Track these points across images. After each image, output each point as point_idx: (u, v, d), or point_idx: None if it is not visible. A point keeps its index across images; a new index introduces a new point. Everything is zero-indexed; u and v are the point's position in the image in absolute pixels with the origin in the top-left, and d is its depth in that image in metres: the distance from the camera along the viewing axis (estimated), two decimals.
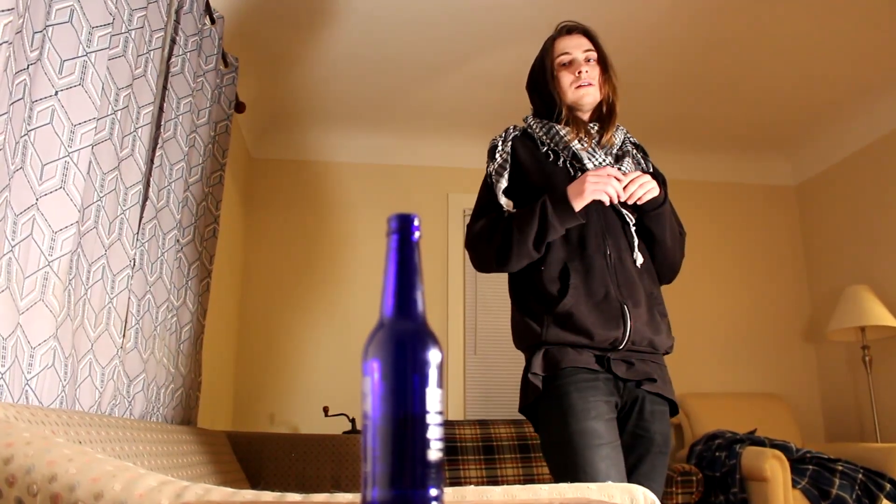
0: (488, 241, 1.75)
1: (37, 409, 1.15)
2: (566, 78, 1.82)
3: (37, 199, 1.32)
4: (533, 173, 1.80)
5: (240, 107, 2.97)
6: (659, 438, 1.67)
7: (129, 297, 1.78)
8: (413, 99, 3.84)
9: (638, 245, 1.76)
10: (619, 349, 1.66)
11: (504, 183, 1.79)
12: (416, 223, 0.63)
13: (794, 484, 3.04)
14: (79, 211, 1.40)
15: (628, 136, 1.91)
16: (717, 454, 3.31)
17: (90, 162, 1.49)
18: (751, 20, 3.09)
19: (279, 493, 0.79)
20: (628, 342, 1.65)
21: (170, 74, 2.08)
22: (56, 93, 1.37)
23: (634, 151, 1.88)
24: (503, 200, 1.78)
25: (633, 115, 3.94)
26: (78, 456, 0.79)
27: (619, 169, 1.76)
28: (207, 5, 2.37)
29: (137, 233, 1.81)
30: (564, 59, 1.83)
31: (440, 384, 0.59)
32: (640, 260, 1.75)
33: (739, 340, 4.30)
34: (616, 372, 1.65)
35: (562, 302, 1.64)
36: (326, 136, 4.23)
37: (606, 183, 1.62)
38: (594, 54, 1.84)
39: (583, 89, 1.80)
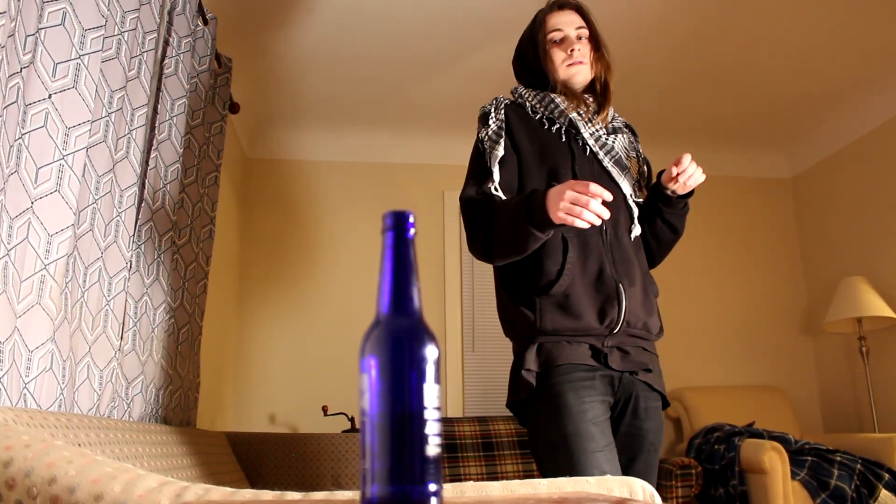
0: (473, 235, 1.67)
1: (35, 411, 1.15)
2: (558, 55, 1.76)
3: (32, 203, 1.32)
4: (526, 141, 1.74)
5: (234, 107, 2.96)
6: (652, 436, 1.64)
7: (126, 300, 1.78)
8: (408, 97, 3.84)
9: (637, 217, 1.72)
10: (614, 332, 1.60)
11: (500, 150, 1.69)
12: (410, 220, 0.63)
13: (793, 475, 3.05)
14: (74, 214, 1.40)
15: (616, 114, 1.87)
16: (715, 447, 3.32)
17: (85, 164, 1.49)
18: (745, 14, 3.09)
19: (279, 492, 0.79)
20: (623, 323, 1.59)
21: (163, 76, 2.08)
22: (50, 96, 1.37)
23: (625, 129, 1.85)
24: (497, 173, 1.68)
25: (627, 109, 3.94)
26: (77, 458, 0.79)
27: (613, 143, 1.74)
28: (200, 6, 2.37)
29: (133, 235, 1.81)
30: (556, 35, 1.77)
31: (437, 380, 0.60)
32: (636, 231, 1.71)
33: (736, 333, 4.31)
34: (612, 364, 1.59)
35: (558, 282, 1.58)
36: (321, 135, 4.23)
37: (585, 204, 1.42)
38: (586, 31, 1.79)
39: (574, 67, 1.75)
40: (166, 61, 2.10)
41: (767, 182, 4.63)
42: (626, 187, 1.72)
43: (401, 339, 0.60)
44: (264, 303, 4.01)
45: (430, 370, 0.59)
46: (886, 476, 3.05)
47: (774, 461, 2.99)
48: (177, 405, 2.16)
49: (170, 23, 2.15)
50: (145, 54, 1.83)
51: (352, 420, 3.60)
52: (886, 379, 3.77)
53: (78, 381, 1.49)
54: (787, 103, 3.94)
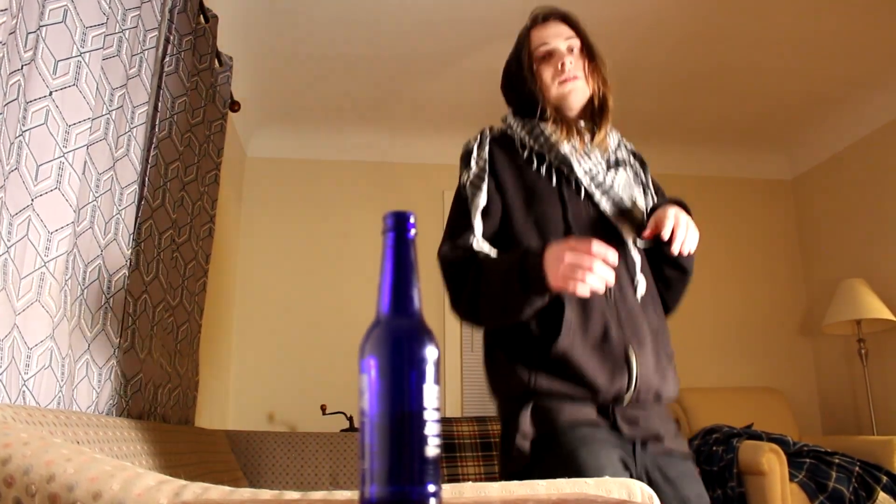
0: (456, 297, 1.47)
1: (34, 409, 1.15)
2: (547, 72, 1.55)
3: (32, 200, 1.32)
4: (512, 183, 1.52)
5: (234, 106, 2.96)
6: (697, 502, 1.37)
7: (126, 297, 1.78)
8: (408, 96, 3.84)
9: (640, 267, 1.48)
10: (621, 402, 1.37)
11: (482, 199, 1.48)
12: (411, 220, 0.63)
13: (792, 477, 3.05)
14: (74, 211, 1.40)
15: (624, 141, 1.64)
16: (714, 448, 3.32)
17: (85, 162, 1.49)
18: (746, 15, 3.09)
19: (277, 492, 0.79)
20: (634, 393, 1.36)
21: (164, 74, 2.08)
22: (50, 93, 1.37)
23: (632, 159, 1.62)
24: (478, 227, 1.47)
25: (627, 110, 3.95)
26: (76, 456, 0.79)
27: (613, 181, 1.51)
28: (201, 4, 2.37)
29: (133, 233, 1.81)
30: (543, 50, 1.56)
31: (437, 381, 0.59)
32: (642, 288, 1.47)
33: (736, 335, 4.31)
34: (620, 427, 1.36)
35: (555, 343, 1.35)
36: (321, 134, 4.23)
37: (588, 268, 1.22)
38: (577, 42, 1.57)
39: (568, 84, 1.53)
40: (167, 59, 2.10)
41: (767, 183, 4.63)
42: (628, 234, 1.49)
43: (401, 339, 0.60)
44: (263, 301, 4.00)
45: (429, 371, 0.59)
46: (885, 479, 3.05)
47: (773, 463, 2.99)
48: (175, 403, 2.16)
49: (171, 21, 2.15)
50: (146, 52, 1.83)
51: (350, 419, 3.60)
52: (885, 381, 3.77)
53: (77, 378, 1.49)
54: (788, 104, 3.94)
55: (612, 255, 1.23)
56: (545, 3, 1.68)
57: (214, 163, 2.57)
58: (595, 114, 1.57)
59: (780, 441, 3.25)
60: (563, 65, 1.54)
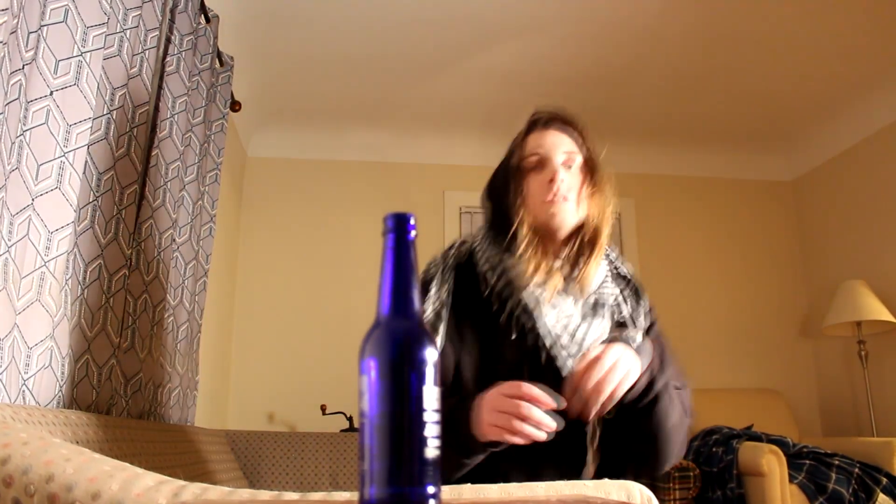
0: None
1: (34, 409, 1.15)
2: (534, 185, 1.30)
3: (33, 200, 1.32)
4: (470, 335, 1.29)
5: (235, 105, 2.97)
6: None
7: (126, 297, 1.78)
8: (409, 96, 3.84)
9: (595, 441, 1.26)
10: None
11: (437, 342, 1.19)
12: (411, 222, 0.63)
13: (791, 479, 3.05)
14: (75, 211, 1.40)
15: (617, 264, 1.40)
16: (714, 449, 3.32)
17: (86, 162, 1.49)
18: (746, 17, 3.09)
19: (276, 493, 0.79)
20: None
21: (165, 74, 2.08)
22: (51, 93, 1.37)
23: (618, 293, 1.36)
24: None
25: (629, 112, 3.97)
26: (75, 456, 0.79)
27: (584, 335, 1.27)
28: (202, 4, 2.37)
29: (134, 232, 1.81)
30: (535, 159, 1.31)
31: (437, 382, 0.60)
32: (590, 469, 1.27)
33: (736, 336, 4.31)
34: None
35: None
36: (322, 133, 4.23)
37: (512, 417, 1.05)
38: (578, 156, 1.33)
39: (555, 206, 1.28)
40: (168, 59, 2.10)
41: (768, 185, 4.63)
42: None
43: (401, 340, 0.60)
44: (264, 301, 4.00)
45: (429, 372, 0.59)
46: (884, 480, 3.05)
47: (772, 464, 2.99)
48: (175, 403, 2.16)
49: (172, 20, 2.15)
50: (147, 52, 1.83)
51: (350, 419, 3.60)
52: (885, 383, 3.77)
53: (77, 378, 1.49)
54: (789, 106, 3.94)
55: (552, 400, 1.06)
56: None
57: (215, 163, 2.57)
58: (583, 245, 1.31)
59: (780, 442, 3.25)
60: (552, 180, 1.28)
